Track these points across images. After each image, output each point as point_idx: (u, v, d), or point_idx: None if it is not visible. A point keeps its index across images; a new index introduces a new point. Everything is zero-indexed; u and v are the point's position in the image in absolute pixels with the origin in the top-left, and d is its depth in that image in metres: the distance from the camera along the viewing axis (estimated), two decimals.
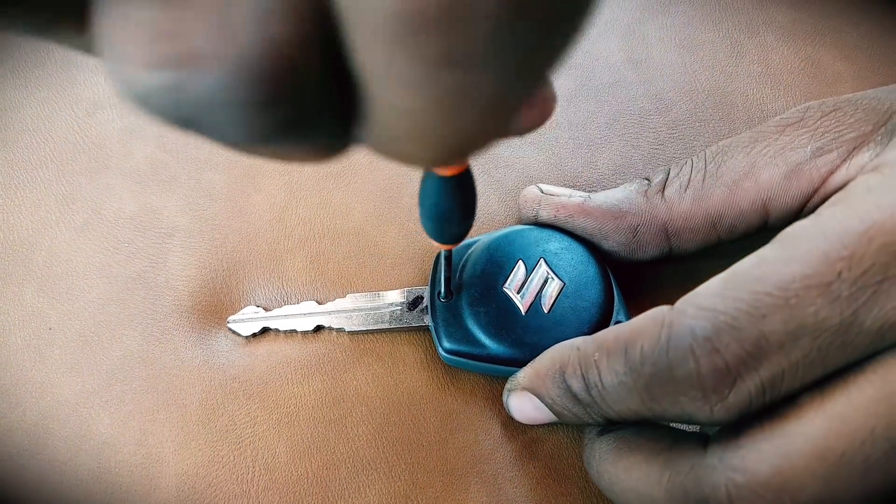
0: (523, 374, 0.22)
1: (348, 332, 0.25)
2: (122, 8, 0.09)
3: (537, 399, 0.21)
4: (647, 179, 0.25)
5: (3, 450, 0.23)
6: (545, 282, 0.24)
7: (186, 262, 0.27)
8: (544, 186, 0.26)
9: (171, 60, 0.09)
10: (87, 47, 0.11)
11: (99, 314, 0.26)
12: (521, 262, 0.24)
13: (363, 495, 0.23)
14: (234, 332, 0.25)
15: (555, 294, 0.24)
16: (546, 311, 0.24)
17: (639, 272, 0.26)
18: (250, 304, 0.26)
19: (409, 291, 0.26)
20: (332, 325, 0.25)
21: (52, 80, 0.30)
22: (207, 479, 0.23)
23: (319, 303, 0.26)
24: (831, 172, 0.22)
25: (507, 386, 0.23)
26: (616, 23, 0.32)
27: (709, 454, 0.18)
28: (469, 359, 0.24)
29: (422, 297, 0.26)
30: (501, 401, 0.24)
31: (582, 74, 0.31)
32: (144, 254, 0.27)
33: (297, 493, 0.23)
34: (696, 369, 0.17)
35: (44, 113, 0.30)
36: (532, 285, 0.24)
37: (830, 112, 0.22)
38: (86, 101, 0.30)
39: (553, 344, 0.22)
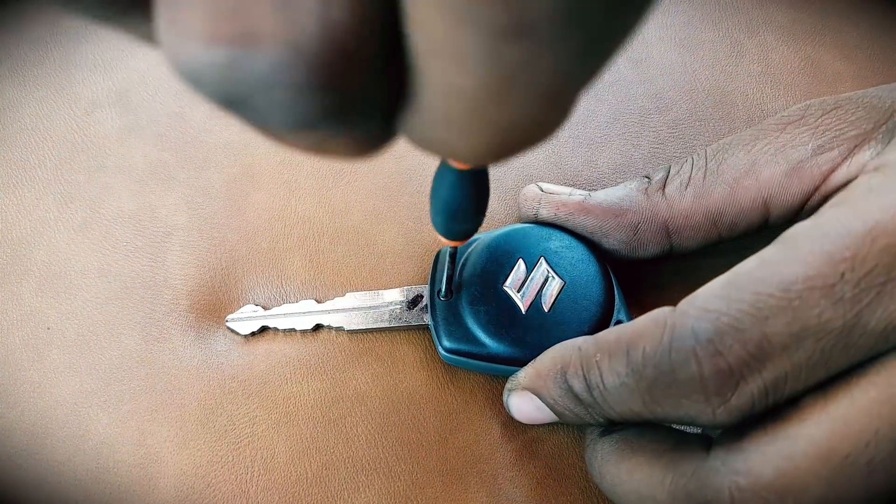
0: (524, 374, 0.22)
1: (347, 330, 0.25)
2: None
3: (538, 399, 0.21)
4: (647, 177, 0.25)
5: (1, 450, 0.23)
6: (545, 280, 0.24)
7: (185, 261, 0.26)
8: (544, 185, 0.26)
9: (231, 38, 0.09)
10: (152, 35, 0.11)
11: (97, 313, 0.26)
12: (521, 260, 0.24)
13: (362, 495, 0.23)
14: (232, 330, 0.25)
15: (555, 293, 0.24)
16: (546, 310, 0.24)
17: (639, 270, 0.26)
18: (249, 303, 0.26)
19: (408, 290, 0.26)
20: (332, 324, 0.25)
21: (50, 79, 0.30)
22: (206, 479, 0.23)
23: (318, 301, 0.26)
24: (832, 170, 0.22)
25: (508, 385, 0.23)
26: None
27: (711, 457, 0.18)
28: (469, 358, 0.23)
29: (421, 296, 0.25)
30: (501, 400, 0.24)
31: None
32: (143, 253, 0.27)
33: (296, 493, 0.23)
34: (698, 371, 0.17)
35: (42, 112, 0.29)
36: (532, 284, 0.24)
37: (831, 110, 0.22)
38: (84, 100, 0.30)
39: (554, 343, 0.22)
